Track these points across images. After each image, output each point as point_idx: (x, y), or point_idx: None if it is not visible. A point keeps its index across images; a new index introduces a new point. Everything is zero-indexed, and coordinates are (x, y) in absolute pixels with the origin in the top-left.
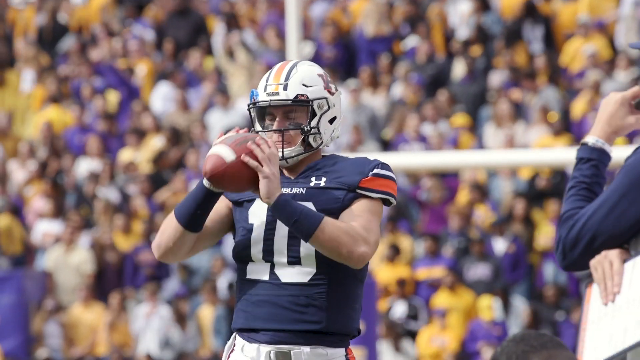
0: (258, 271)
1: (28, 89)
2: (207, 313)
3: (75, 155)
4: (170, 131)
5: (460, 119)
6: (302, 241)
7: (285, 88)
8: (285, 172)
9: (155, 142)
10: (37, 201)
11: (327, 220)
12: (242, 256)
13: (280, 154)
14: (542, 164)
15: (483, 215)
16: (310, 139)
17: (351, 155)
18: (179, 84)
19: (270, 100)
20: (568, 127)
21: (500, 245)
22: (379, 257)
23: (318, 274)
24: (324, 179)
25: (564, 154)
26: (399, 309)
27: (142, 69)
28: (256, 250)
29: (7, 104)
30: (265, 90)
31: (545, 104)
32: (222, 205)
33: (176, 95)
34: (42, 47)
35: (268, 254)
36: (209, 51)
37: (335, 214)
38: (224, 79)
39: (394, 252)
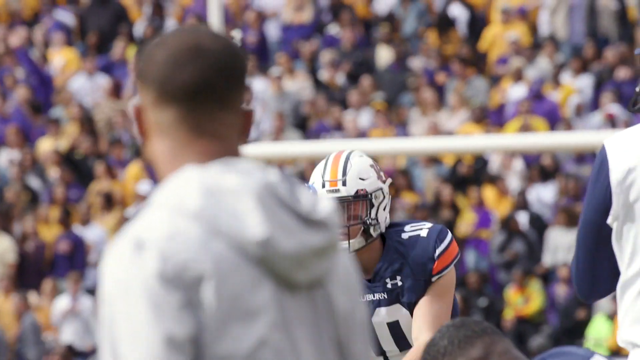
0: None
1: None
2: None
3: None
4: (86, 120)
5: (379, 105)
6: (406, 335)
7: (344, 184)
8: None
9: (71, 131)
10: None
11: None
12: None
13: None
14: (464, 150)
15: (409, 202)
16: (371, 230)
17: None
18: (103, 73)
19: (332, 197)
20: (489, 114)
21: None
22: None
23: None
24: (398, 277)
25: (485, 141)
26: None
27: (60, 59)
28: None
29: None
30: (324, 186)
31: (468, 91)
32: None
33: (103, 84)
34: None
35: (381, 352)
36: (131, 39)
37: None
38: None
39: None
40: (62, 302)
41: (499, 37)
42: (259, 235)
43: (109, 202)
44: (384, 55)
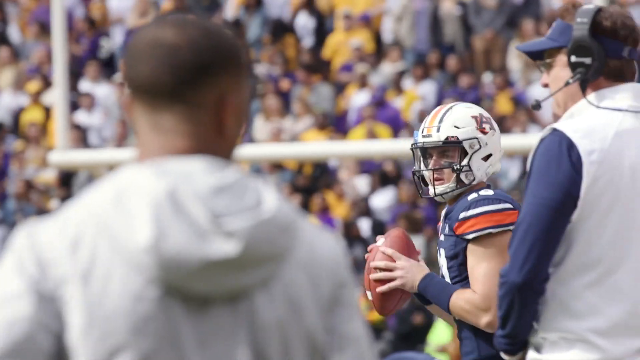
0: None
1: None
2: None
3: None
4: None
5: None
6: (446, 278)
7: (438, 130)
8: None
9: None
10: None
11: (453, 300)
12: None
13: (432, 191)
14: (308, 157)
15: None
16: (462, 176)
17: None
18: None
19: (424, 142)
20: (333, 121)
21: None
22: None
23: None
24: (447, 225)
25: (328, 147)
26: None
27: None
28: None
29: None
30: (422, 132)
31: (312, 97)
32: None
33: None
34: None
35: None
36: None
37: (454, 260)
38: None
39: None
40: None
41: (342, 44)
42: (143, 242)
43: None
44: None
